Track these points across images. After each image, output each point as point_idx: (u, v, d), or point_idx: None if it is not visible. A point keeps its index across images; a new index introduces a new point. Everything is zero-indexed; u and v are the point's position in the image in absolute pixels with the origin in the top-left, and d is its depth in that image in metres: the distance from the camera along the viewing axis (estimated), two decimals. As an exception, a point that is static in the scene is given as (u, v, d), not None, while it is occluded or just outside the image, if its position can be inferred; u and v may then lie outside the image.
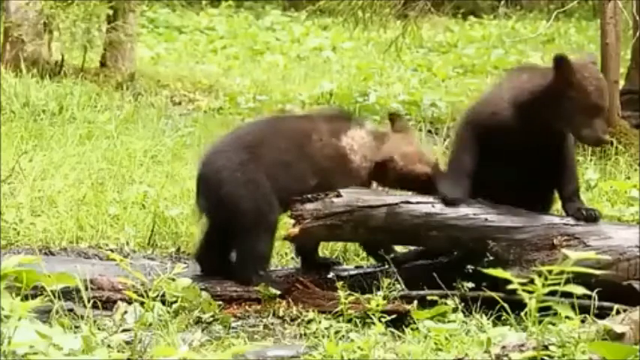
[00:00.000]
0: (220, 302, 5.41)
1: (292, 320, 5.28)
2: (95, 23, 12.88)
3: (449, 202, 5.46)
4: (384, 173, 5.71)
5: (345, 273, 5.69)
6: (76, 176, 7.63)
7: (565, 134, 5.48)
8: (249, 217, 5.48)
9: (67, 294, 5.08)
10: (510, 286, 3.73)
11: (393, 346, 4.81)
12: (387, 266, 5.57)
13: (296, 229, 5.46)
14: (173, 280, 5.13)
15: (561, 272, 3.69)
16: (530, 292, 3.71)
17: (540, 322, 4.35)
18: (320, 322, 5.13)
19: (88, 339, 4.20)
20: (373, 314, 5.06)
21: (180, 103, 12.70)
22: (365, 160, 5.69)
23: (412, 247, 5.84)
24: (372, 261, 5.88)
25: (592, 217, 5.43)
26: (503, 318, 5.04)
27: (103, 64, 13.30)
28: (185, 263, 5.66)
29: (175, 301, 5.24)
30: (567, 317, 4.35)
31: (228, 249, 5.65)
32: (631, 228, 5.51)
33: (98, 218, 6.82)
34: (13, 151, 8.08)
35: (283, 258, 6.36)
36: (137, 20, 14.34)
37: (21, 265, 4.31)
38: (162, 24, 19.74)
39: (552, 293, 3.75)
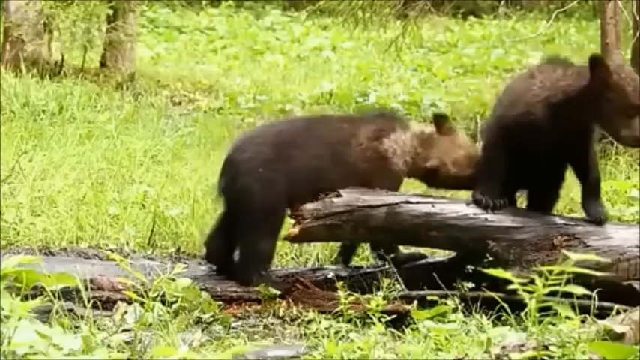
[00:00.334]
0: (220, 302, 5.41)
1: (292, 320, 5.28)
2: (95, 23, 12.89)
3: (484, 206, 5.45)
4: (434, 178, 5.72)
5: (345, 273, 5.69)
6: (76, 176, 7.63)
7: (591, 134, 5.45)
8: (257, 215, 5.48)
9: (67, 294, 5.08)
10: (510, 286, 3.73)
11: (393, 346, 4.81)
12: (387, 266, 5.57)
13: (296, 229, 5.47)
14: (173, 280, 5.13)
15: (561, 272, 3.69)
16: (530, 292, 3.71)
17: (540, 322, 4.35)
18: (320, 322, 5.13)
19: (88, 339, 4.20)
20: (373, 314, 5.06)
21: (180, 103, 12.70)
22: (407, 164, 5.68)
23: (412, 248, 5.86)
24: (372, 261, 5.88)
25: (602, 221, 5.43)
26: (503, 318, 5.04)
27: (103, 64, 13.30)
28: (185, 263, 5.66)
29: (175, 301, 5.24)
30: (567, 317, 4.35)
31: (235, 239, 5.64)
32: (631, 228, 5.51)
33: (98, 218, 6.82)
34: (13, 151, 8.08)
35: (283, 258, 6.36)
36: (137, 20, 14.34)
37: (21, 265, 4.30)
38: (163, 24, 19.74)
39: (552, 293, 3.75)
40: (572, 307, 4.13)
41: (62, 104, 10.41)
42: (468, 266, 5.42)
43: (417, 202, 5.49)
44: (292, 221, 5.51)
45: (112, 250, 6.27)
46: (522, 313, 4.76)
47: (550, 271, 3.70)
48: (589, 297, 4.68)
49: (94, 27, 12.86)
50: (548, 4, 20.22)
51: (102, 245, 6.49)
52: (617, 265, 5.29)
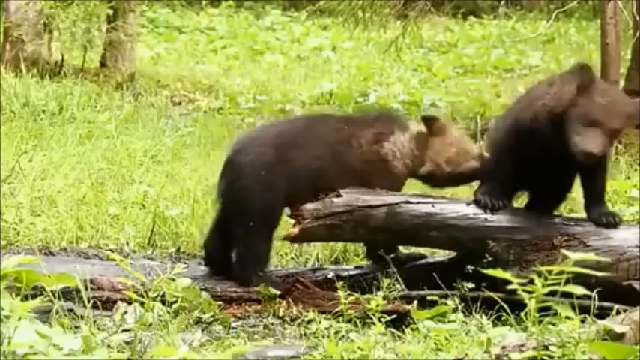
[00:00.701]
0: (220, 302, 5.41)
1: (292, 320, 5.28)
2: (95, 23, 12.89)
3: (484, 206, 5.44)
4: (433, 179, 5.74)
5: (345, 273, 5.69)
6: (76, 176, 7.63)
7: None
8: (256, 217, 5.48)
9: (67, 294, 5.08)
10: (510, 286, 3.73)
11: (393, 346, 4.81)
12: (387, 266, 5.56)
13: (296, 229, 5.46)
14: (173, 280, 5.13)
15: (561, 272, 3.69)
16: (529, 292, 3.71)
17: (540, 322, 4.35)
18: (320, 322, 5.13)
19: (88, 339, 4.20)
20: (373, 314, 5.06)
21: (180, 103, 12.71)
22: (406, 166, 5.68)
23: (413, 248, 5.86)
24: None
25: (612, 224, 5.40)
26: (503, 318, 5.04)
27: (103, 64, 13.30)
28: (185, 263, 5.66)
29: (175, 301, 5.24)
30: (567, 317, 4.35)
31: (232, 241, 5.64)
32: (631, 228, 5.51)
33: (98, 218, 6.82)
34: (13, 151, 8.08)
35: (283, 258, 6.36)
36: (137, 20, 14.35)
37: (21, 265, 4.30)
38: (163, 24, 19.75)
39: (552, 293, 3.75)
40: (572, 307, 4.13)
41: (62, 104, 10.41)
42: (468, 266, 5.42)
43: (417, 202, 5.49)
44: (292, 221, 5.51)
45: (112, 250, 6.27)
46: (522, 313, 4.76)
47: (550, 271, 3.70)
48: (589, 297, 4.68)
49: (94, 27, 12.86)
50: (548, 4, 20.22)
51: (102, 245, 6.49)
52: (617, 265, 5.29)
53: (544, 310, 4.00)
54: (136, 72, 13.16)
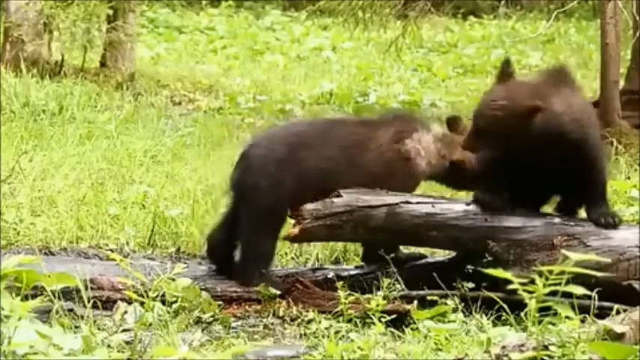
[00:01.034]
0: (220, 302, 5.41)
1: (292, 320, 5.28)
2: (95, 23, 12.90)
3: (483, 205, 5.44)
4: (458, 175, 5.69)
5: (345, 273, 5.69)
6: (76, 176, 7.63)
7: (586, 148, 5.40)
8: (260, 213, 5.48)
9: (67, 294, 5.08)
10: (510, 286, 3.73)
11: (393, 346, 4.81)
12: (387, 266, 5.56)
13: (296, 229, 5.46)
14: (173, 280, 5.13)
15: (561, 272, 3.69)
16: (530, 292, 3.71)
17: (540, 322, 4.35)
18: (320, 322, 5.13)
19: (88, 339, 4.20)
20: (373, 314, 5.06)
21: (180, 103, 12.71)
22: (430, 166, 5.67)
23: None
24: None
25: (611, 225, 5.39)
26: (503, 318, 5.04)
27: (103, 64, 13.31)
28: (185, 263, 5.66)
29: (175, 301, 5.24)
30: (567, 317, 4.35)
31: (237, 237, 5.64)
32: (631, 228, 5.51)
33: (98, 218, 6.82)
34: (13, 151, 8.07)
35: (283, 258, 6.36)
36: (137, 20, 14.35)
37: (21, 265, 4.30)
38: (163, 24, 19.75)
39: (552, 293, 3.75)
40: (572, 307, 4.13)
41: (62, 104, 10.42)
42: (468, 266, 5.41)
43: (417, 202, 5.49)
44: (292, 221, 5.51)
45: (112, 250, 6.27)
46: (522, 313, 4.76)
47: (550, 271, 3.70)
48: (589, 297, 4.68)
49: (94, 27, 12.87)
50: (548, 4, 20.22)
51: (102, 245, 6.48)
52: (617, 265, 5.28)
53: (544, 310, 4.00)
54: (136, 72, 13.16)
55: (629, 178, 8.18)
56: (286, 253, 6.38)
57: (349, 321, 5.11)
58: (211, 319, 5.24)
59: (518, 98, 5.23)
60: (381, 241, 5.60)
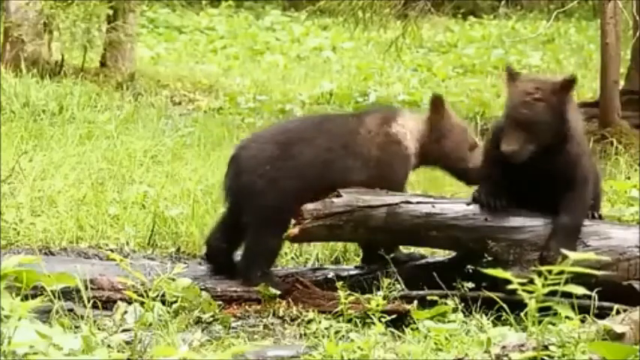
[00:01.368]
0: (220, 302, 5.40)
1: (292, 320, 5.28)
2: (95, 23, 12.90)
3: (481, 205, 5.44)
4: (439, 116, 5.76)
5: (345, 273, 5.69)
6: (76, 176, 7.63)
7: (570, 155, 5.39)
8: (261, 213, 5.48)
9: (67, 294, 5.08)
10: (510, 286, 3.73)
11: (393, 346, 4.81)
12: (387, 266, 5.56)
13: (296, 229, 5.46)
14: (173, 280, 5.13)
15: (561, 272, 3.69)
16: (530, 292, 3.71)
17: (540, 322, 4.35)
18: (320, 322, 5.13)
19: (88, 339, 4.20)
20: (373, 314, 5.06)
21: (180, 103, 12.72)
22: (416, 146, 5.70)
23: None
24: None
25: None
26: (503, 318, 5.04)
27: (103, 64, 13.31)
28: (185, 263, 5.66)
29: (175, 301, 5.24)
30: (567, 317, 4.35)
31: (237, 239, 5.64)
32: (631, 228, 5.51)
33: (98, 218, 6.82)
34: (13, 151, 8.07)
35: (283, 258, 6.35)
36: (137, 20, 14.36)
37: (21, 265, 4.30)
38: (162, 24, 19.76)
39: (552, 293, 3.75)
40: (572, 307, 4.13)
41: (62, 104, 10.42)
42: (468, 266, 5.41)
43: (417, 202, 5.49)
44: (292, 221, 5.51)
45: (112, 250, 6.27)
46: (522, 313, 4.76)
47: (550, 271, 3.69)
48: (589, 297, 4.68)
49: (94, 27, 12.87)
50: (548, 4, 20.23)
51: (102, 245, 6.48)
52: (617, 265, 5.28)
53: (544, 310, 4.00)
54: (136, 72, 13.17)
55: (629, 178, 8.18)
56: (286, 253, 6.38)
57: (349, 321, 5.11)
58: (211, 319, 5.24)
59: (546, 80, 5.35)
60: (381, 241, 5.61)
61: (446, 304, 5.25)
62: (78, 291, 4.97)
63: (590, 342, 4.22)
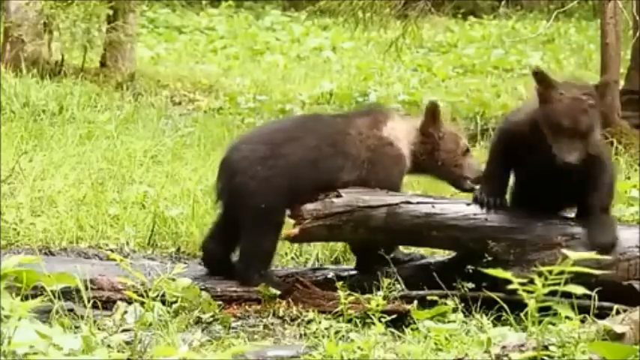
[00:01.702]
0: (220, 302, 5.40)
1: (292, 320, 5.28)
2: (95, 23, 12.90)
3: (481, 204, 5.44)
4: (433, 124, 5.76)
5: (345, 273, 5.69)
6: (76, 176, 7.63)
7: (596, 150, 5.34)
8: (255, 213, 5.47)
9: (67, 294, 5.08)
10: (510, 286, 3.73)
11: (393, 346, 4.81)
12: (386, 266, 5.56)
13: (296, 230, 5.46)
14: (173, 280, 5.13)
15: (561, 272, 3.69)
16: (530, 292, 3.71)
17: (540, 322, 4.35)
18: (320, 322, 5.13)
19: (88, 339, 4.20)
20: (373, 314, 5.06)
21: (180, 103, 12.71)
22: (408, 148, 5.70)
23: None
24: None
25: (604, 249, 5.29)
26: (503, 318, 5.04)
27: (103, 64, 13.31)
28: (185, 263, 5.66)
29: (175, 301, 5.24)
30: (567, 317, 4.35)
31: (233, 242, 5.63)
32: (631, 228, 5.51)
33: (98, 218, 6.82)
34: (13, 151, 8.07)
35: (283, 258, 6.36)
36: (137, 20, 14.36)
37: (21, 265, 4.30)
38: (162, 24, 19.77)
39: (552, 293, 3.75)
40: (572, 307, 4.13)
41: (62, 104, 10.41)
42: (468, 266, 5.42)
43: (417, 203, 5.49)
44: (292, 221, 5.51)
45: (112, 250, 6.27)
46: (522, 313, 4.76)
47: (550, 271, 3.70)
48: (589, 297, 4.68)
49: (94, 27, 12.87)
50: (548, 4, 20.22)
51: (102, 245, 6.48)
52: (617, 265, 5.28)
53: (544, 310, 4.00)
54: (136, 72, 13.16)
55: (629, 178, 8.18)
56: (286, 253, 6.39)
57: (349, 321, 5.11)
58: (211, 319, 5.24)
59: (586, 84, 5.30)
60: (381, 241, 5.61)
61: (446, 304, 5.25)
62: (78, 291, 4.97)
63: (590, 342, 4.22)
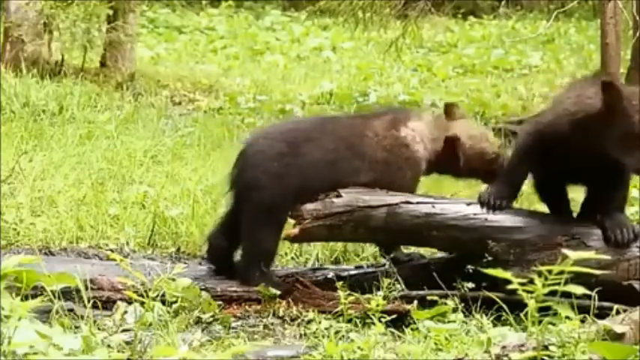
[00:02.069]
0: (220, 302, 5.40)
1: (292, 320, 5.28)
2: (95, 23, 12.90)
3: (489, 207, 5.44)
4: (453, 155, 5.65)
5: (345, 273, 5.69)
6: (76, 176, 7.63)
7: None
8: (260, 210, 5.46)
9: (67, 294, 5.07)
10: (510, 286, 3.73)
11: (393, 346, 4.81)
12: (387, 266, 5.56)
13: (296, 230, 5.46)
14: (173, 280, 5.13)
15: (561, 272, 3.69)
16: (530, 292, 3.71)
17: (540, 322, 4.35)
18: (320, 322, 5.13)
19: (88, 339, 4.20)
20: (373, 314, 5.06)
21: (180, 103, 12.71)
22: (427, 151, 5.67)
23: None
24: (371, 260, 5.87)
25: (624, 243, 5.34)
26: (503, 318, 5.04)
27: (103, 64, 13.31)
28: (185, 263, 5.66)
29: (175, 301, 5.24)
30: (567, 317, 4.35)
31: (239, 238, 5.62)
32: (631, 228, 5.51)
33: (98, 218, 6.82)
34: (13, 151, 8.07)
35: (283, 258, 6.36)
36: (137, 20, 14.36)
37: (21, 265, 4.30)
38: (162, 24, 19.76)
39: (552, 293, 3.75)
40: (572, 307, 4.13)
41: (62, 104, 10.41)
42: (468, 266, 5.42)
43: (418, 203, 5.49)
44: (292, 221, 5.51)
45: (112, 250, 6.27)
46: (522, 313, 4.76)
47: (550, 271, 3.70)
48: (589, 297, 4.68)
49: (94, 27, 12.87)
50: (548, 4, 20.22)
51: (102, 245, 6.48)
52: (617, 265, 5.28)
53: (544, 310, 4.00)
54: (136, 72, 13.17)
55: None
56: (286, 253, 6.38)
57: (349, 321, 5.11)
58: (211, 319, 5.24)
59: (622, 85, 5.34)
60: (381, 241, 5.61)
61: (446, 304, 5.25)
62: (78, 291, 4.97)
63: (590, 342, 4.22)
